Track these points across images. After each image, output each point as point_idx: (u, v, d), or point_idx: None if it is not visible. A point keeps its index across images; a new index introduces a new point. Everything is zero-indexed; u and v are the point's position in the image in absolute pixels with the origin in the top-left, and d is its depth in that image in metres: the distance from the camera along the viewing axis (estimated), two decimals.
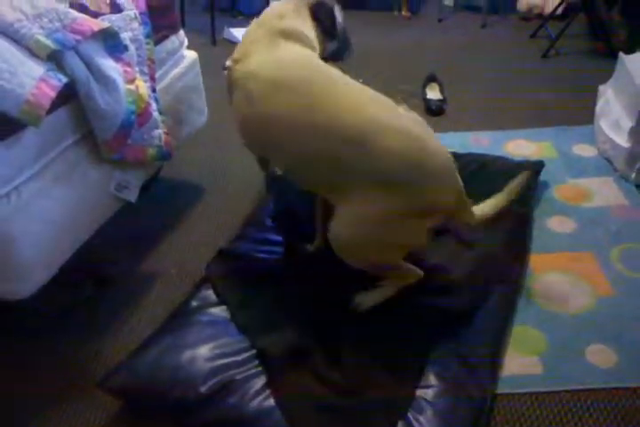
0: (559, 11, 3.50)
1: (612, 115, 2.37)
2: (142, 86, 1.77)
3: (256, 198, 2.27)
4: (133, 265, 2.02)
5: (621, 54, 2.41)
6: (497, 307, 1.72)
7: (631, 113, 2.22)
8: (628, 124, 2.23)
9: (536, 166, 2.26)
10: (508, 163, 2.30)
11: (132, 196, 1.84)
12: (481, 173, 2.19)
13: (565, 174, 2.35)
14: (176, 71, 2.09)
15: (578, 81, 3.01)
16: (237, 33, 3.71)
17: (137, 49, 1.79)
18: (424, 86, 2.94)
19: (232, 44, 3.62)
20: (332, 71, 1.57)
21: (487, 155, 2.38)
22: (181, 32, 2.09)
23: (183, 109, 2.15)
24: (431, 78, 2.97)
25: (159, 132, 1.87)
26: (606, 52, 3.16)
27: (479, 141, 2.60)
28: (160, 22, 1.93)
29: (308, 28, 1.68)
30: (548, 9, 3.59)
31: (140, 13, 1.80)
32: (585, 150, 2.49)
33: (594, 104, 2.55)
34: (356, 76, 1.57)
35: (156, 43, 1.94)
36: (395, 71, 2.97)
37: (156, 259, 2.05)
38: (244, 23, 3.87)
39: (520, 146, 2.55)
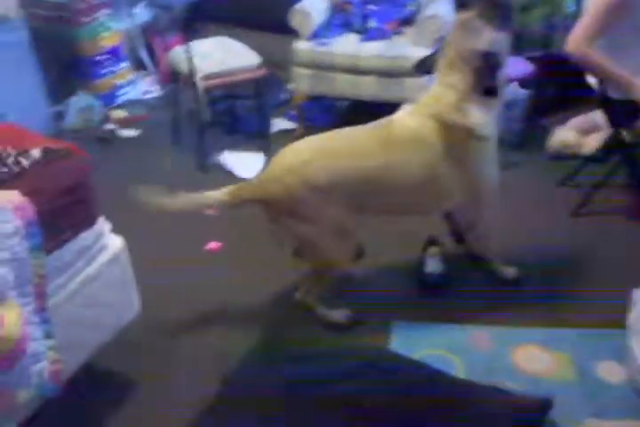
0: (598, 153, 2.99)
1: None
2: (13, 316, 1.38)
3: (203, 395, 1.82)
4: None
5: None
6: None
7: None
8: None
9: (542, 406, 1.75)
10: (504, 401, 1.77)
11: None
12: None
13: (584, 410, 1.82)
14: (91, 269, 1.71)
15: (612, 260, 2.43)
16: (233, 159, 3.32)
17: (15, 269, 1.42)
18: (423, 254, 2.46)
19: (224, 172, 3.24)
20: None
21: (476, 385, 1.84)
22: (98, 224, 1.71)
23: (99, 312, 1.76)
24: (432, 241, 2.50)
25: (40, 365, 1.47)
26: None
27: (480, 342, 2.10)
28: (65, 223, 1.58)
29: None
30: (585, 149, 3.08)
31: (27, 224, 1.44)
32: (612, 372, 1.95)
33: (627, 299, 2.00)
34: None
35: (59, 246, 1.58)
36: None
37: None
38: (243, 145, 3.45)
39: (531, 355, 2.03)
